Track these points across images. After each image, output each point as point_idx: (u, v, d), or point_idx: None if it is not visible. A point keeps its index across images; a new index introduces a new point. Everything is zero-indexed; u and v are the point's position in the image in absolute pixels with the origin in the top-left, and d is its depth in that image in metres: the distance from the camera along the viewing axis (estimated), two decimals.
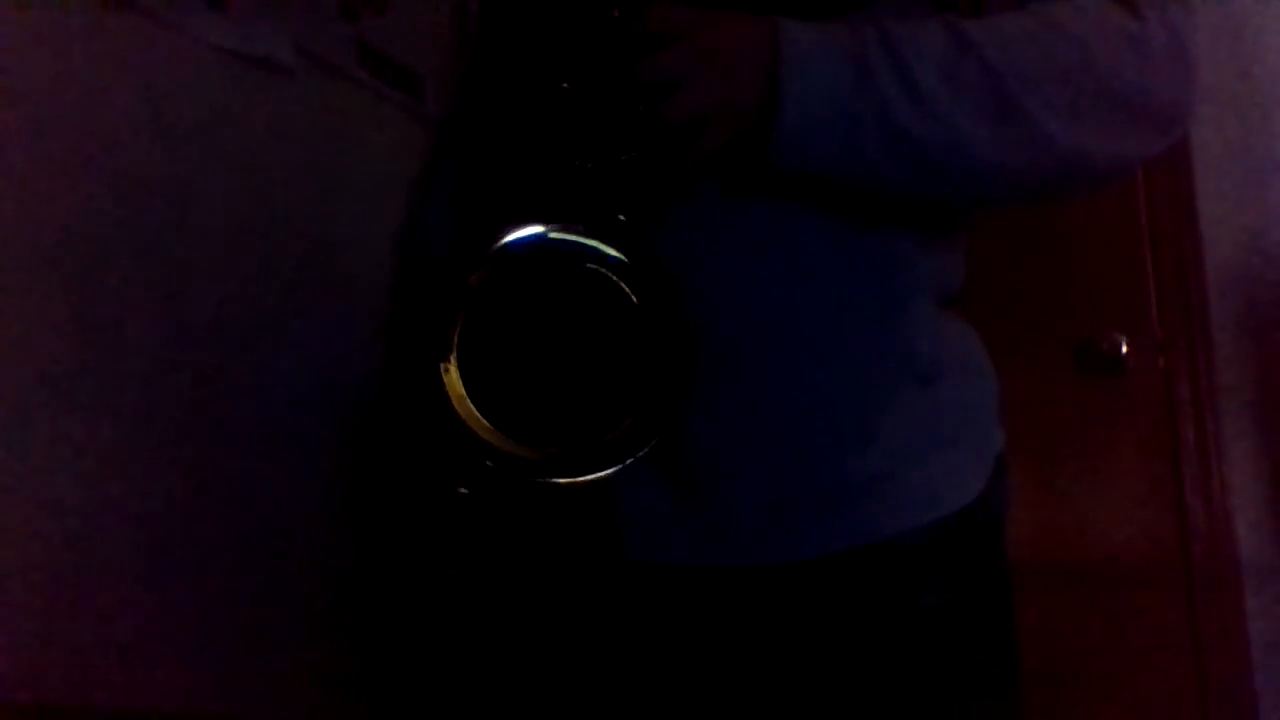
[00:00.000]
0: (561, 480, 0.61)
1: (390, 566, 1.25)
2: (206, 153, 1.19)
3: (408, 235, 0.94)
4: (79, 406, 1.01)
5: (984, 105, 0.70)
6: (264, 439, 1.21)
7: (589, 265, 0.63)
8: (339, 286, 1.36)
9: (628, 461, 0.61)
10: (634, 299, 0.63)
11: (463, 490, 0.71)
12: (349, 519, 1.28)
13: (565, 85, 0.66)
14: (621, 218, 0.65)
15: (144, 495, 1.06)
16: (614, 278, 0.63)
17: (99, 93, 1.06)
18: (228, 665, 1.13)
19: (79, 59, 1.05)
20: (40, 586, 0.95)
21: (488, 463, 0.60)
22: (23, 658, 0.93)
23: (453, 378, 0.60)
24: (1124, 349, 1.95)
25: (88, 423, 1.02)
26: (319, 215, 1.36)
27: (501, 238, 0.63)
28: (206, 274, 1.16)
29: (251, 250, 1.23)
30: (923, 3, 0.79)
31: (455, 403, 0.60)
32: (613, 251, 0.63)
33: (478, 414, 0.60)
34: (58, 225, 1.01)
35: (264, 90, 1.28)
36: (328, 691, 1.25)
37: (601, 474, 0.61)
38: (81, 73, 1.05)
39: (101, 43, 1.07)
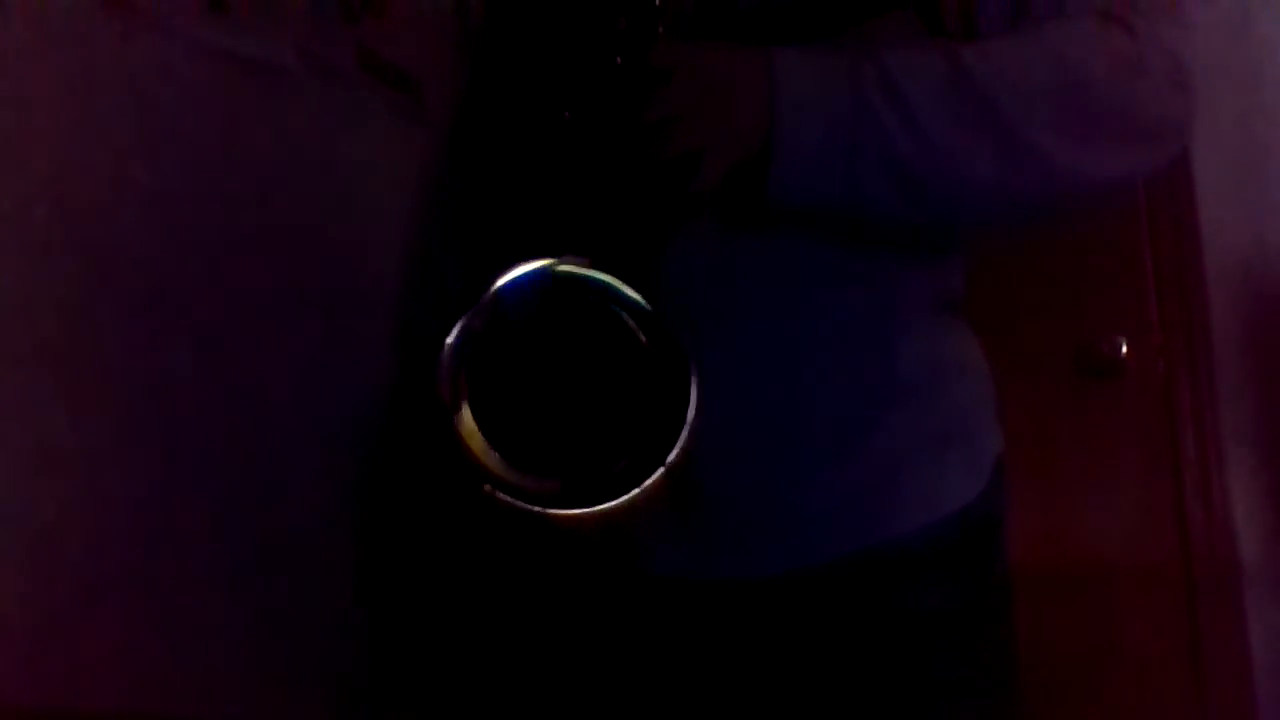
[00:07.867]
0: (571, 512, 0.63)
1: (399, 574, 1.25)
2: (205, 156, 1.18)
3: (414, 264, 0.94)
4: (76, 413, 1.01)
5: (982, 133, 0.71)
6: (264, 442, 1.21)
7: (593, 299, 0.65)
8: (338, 290, 1.35)
9: (634, 491, 0.63)
10: (639, 334, 0.64)
11: (472, 510, 0.72)
12: (356, 529, 1.29)
13: (566, 116, 0.67)
14: (621, 249, 0.66)
15: (146, 500, 1.07)
16: (616, 309, 0.65)
17: (96, 95, 1.06)
18: (229, 670, 1.13)
19: (76, 61, 1.04)
20: (40, 590, 0.95)
21: (501, 496, 0.62)
22: (22, 659, 0.93)
23: (464, 415, 0.61)
24: (1124, 352, 1.95)
25: (88, 429, 1.02)
26: (318, 218, 1.35)
27: (507, 273, 0.64)
28: (204, 278, 1.16)
29: (250, 254, 1.23)
30: (916, 26, 0.79)
31: (466, 439, 0.61)
32: (617, 284, 0.65)
33: (490, 449, 0.61)
34: (53, 229, 1.00)
35: (263, 93, 1.27)
36: (331, 697, 1.25)
37: (611, 504, 0.63)
38: (79, 75, 1.05)
39: (100, 44, 1.07)
